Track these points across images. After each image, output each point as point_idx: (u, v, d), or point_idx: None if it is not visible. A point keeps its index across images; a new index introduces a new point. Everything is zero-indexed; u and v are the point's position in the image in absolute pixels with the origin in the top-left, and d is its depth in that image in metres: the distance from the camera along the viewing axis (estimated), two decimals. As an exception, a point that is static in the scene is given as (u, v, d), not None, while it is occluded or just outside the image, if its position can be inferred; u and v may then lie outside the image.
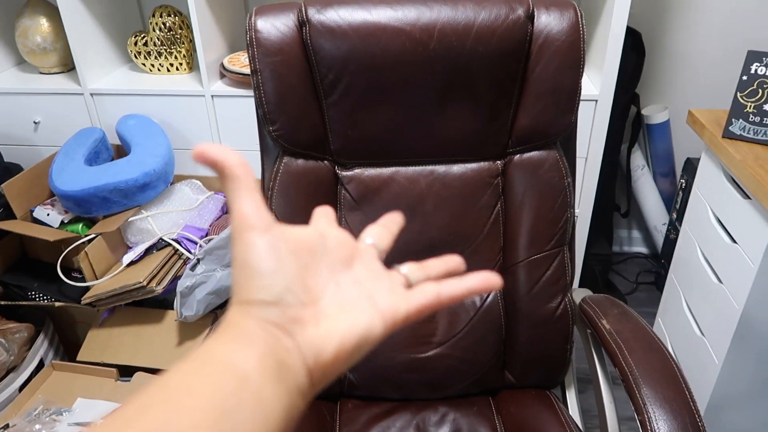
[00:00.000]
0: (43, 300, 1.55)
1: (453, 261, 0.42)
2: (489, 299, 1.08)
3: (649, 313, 1.90)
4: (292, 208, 1.01)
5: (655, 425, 0.77)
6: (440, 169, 1.05)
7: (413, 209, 1.04)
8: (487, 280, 0.38)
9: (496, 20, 0.94)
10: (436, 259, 0.41)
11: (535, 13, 0.96)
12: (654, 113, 1.92)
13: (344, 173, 1.04)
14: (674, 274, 1.58)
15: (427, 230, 1.05)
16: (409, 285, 0.38)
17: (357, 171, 1.04)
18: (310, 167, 1.02)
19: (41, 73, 1.85)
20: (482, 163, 1.05)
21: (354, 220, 1.05)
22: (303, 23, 0.94)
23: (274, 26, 0.94)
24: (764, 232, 1.15)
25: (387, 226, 0.43)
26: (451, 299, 0.37)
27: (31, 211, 1.62)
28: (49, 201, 1.65)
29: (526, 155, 1.04)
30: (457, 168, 1.05)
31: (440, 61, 0.95)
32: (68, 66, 1.86)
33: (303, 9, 0.94)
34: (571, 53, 0.96)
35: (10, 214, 1.59)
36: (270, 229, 0.33)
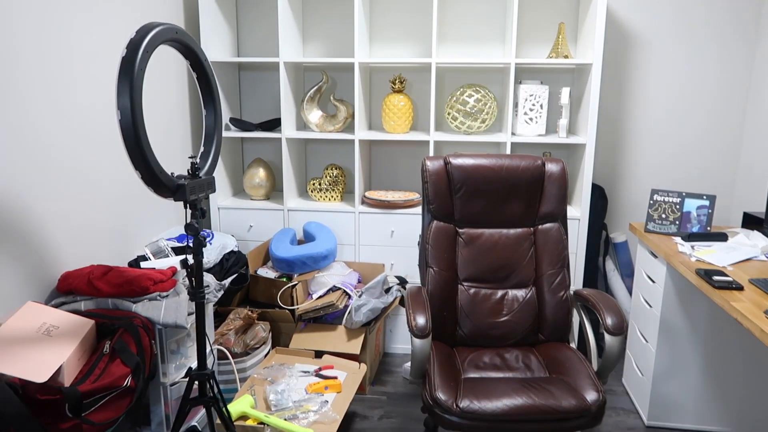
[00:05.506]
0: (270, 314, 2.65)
1: None
2: (529, 295, 2.20)
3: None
4: (439, 245, 2.19)
5: (606, 318, 1.87)
6: (504, 230, 2.24)
7: (492, 249, 2.22)
8: None
9: (529, 165, 2.21)
10: None
11: (546, 164, 2.23)
12: (617, 236, 3.15)
13: (461, 230, 2.24)
14: (633, 319, 2.68)
15: (499, 258, 2.21)
16: None
17: (466, 229, 2.24)
18: (446, 227, 2.22)
19: (252, 199, 3.13)
20: (524, 229, 2.25)
21: (465, 252, 2.22)
22: (447, 163, 2.21)
23: (434, 164, 2.21)
24: (651, 270, 2.30)
25: None
26: None
27: (255, 271, 2.78)
28: (264, 265, 2.82)
29: (545, 225, 2.24)
30: (513, 230, 2.25)
31: (505, 181, 2.20)
32: (267, 195, 3.15)
33: (446, 158, 2.21)
34: (562, 180, 2.22)
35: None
36: None
